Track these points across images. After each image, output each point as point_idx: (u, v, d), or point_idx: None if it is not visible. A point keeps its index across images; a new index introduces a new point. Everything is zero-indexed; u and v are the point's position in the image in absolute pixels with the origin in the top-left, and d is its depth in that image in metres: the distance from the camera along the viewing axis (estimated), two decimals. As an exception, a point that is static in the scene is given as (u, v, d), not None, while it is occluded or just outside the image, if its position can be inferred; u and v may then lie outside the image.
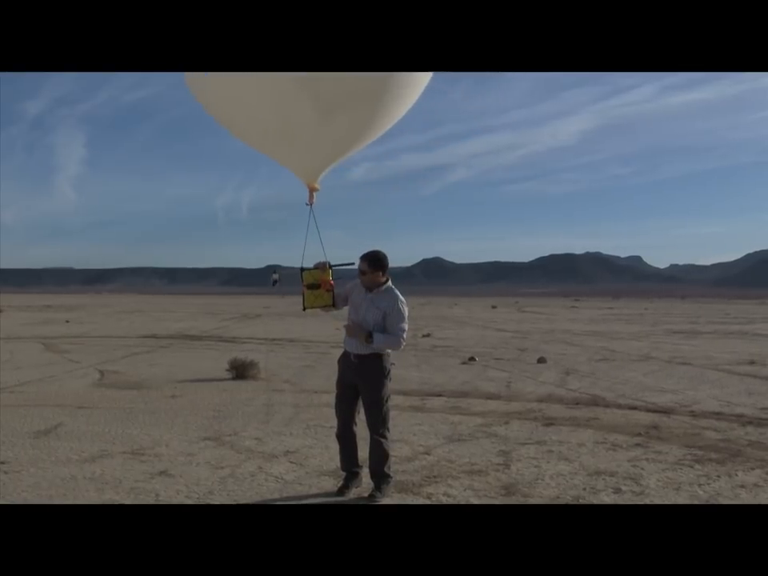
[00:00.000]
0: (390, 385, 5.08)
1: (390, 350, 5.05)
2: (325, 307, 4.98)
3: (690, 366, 13.41)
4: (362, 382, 5.01)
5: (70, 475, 5.52)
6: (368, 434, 5.05)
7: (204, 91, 4.70)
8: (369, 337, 4.88)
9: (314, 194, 4.93)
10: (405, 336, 4.96)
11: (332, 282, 4.93)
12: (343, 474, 5.21)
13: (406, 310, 5.01)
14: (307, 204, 4.88)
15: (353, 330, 4.98)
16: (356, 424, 5.15)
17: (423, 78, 4.75)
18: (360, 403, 5.08)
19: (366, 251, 5.03)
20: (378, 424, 4.99)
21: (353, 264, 5.05)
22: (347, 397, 5.11)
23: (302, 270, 4.92)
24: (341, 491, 5.06)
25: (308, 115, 4.46)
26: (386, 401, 5.03)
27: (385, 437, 5.03)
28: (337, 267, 4.98)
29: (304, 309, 5.01)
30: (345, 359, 5.13)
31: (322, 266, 4.93)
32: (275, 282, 5.02)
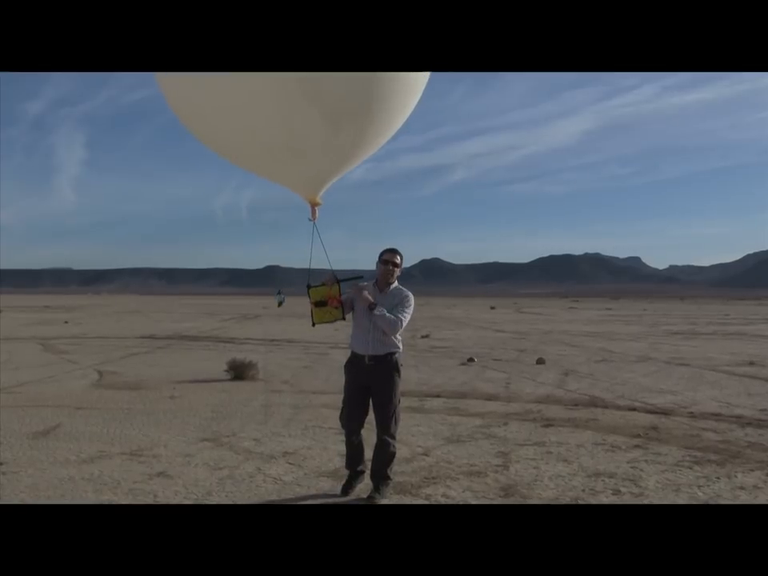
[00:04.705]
0: (401, 385, 5.08)
1: (401, 350, 5.05)
2: (334, 321, 5.01)
3: (689, 366, 13.41)
4: (376, 383, 4.95)
5: (69, 476, 5.50)
6: (375, 433, 5.03)
7: (184, 100, 4.36)
8: (372, 305, 4.89)
9: (317, 208, 4.86)
10: (404, 323, 4.95)
11: (339, 297, 4.93)
12: (347, 472, 5.19)
13: (412, 305, 5.04)
14: (310, 220, 4.83)
15: (361, 296, 4.94)
16: (363, 427, 5.14)
17: (423, 79, 4.66)
18: (369, 406, 5.06)
19: (388, 247, 5.11)
20: (390, 425, 4.96)
21: (361, 277, 5.11)
22: (358, 400, 5.04)
23: (309, 287, 4.93)
24: (345, 490, 5.05)
25: (316, 127, 4.28)
26: (399, 401, 5.02)
27: (394, 437, 5.01)
28: (344, 282, 4.98)
29: (313, 324, 5.03)
30: (356, 362, 5.06)
31: (329, 282, 4.93)
32: (280, 303, 5.03)
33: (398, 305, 4.97)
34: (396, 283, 5.11)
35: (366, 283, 5.10)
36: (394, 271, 5.05)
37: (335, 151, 4.60)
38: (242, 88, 3.98)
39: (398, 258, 5.07)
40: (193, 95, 4.21)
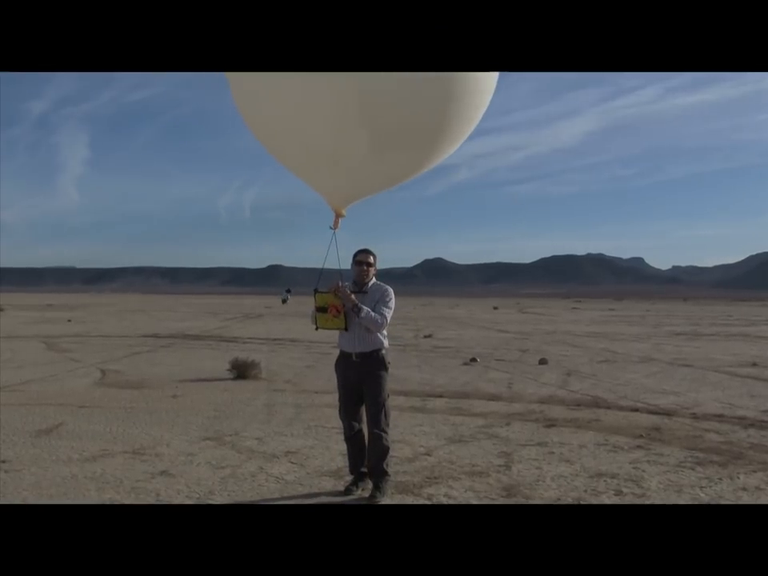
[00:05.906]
0: (389, 381, 5.16)
1: (387, 346, 5.14)
2: (337, 329, 5.07)
3: (691, 367, 13.38)
4: (365, 380, 5.05)
5: (71, 474, 5.52)
6: (368, 430, 5.09)
7: (249, 100, 4.48)
8: (356, 306, 4.95)
9: (339, 219, 4.87)
10: (387, 319, 5.06)
11: (340, 307, 4.95)
12: (351, 475, 5.21)
13: (393, 300, 5.16)
14: (331, 228, 4.85)
15: (344, 294, 4.97)
16: (363, 422, 5.18)
17: (480, 110, 4.59)
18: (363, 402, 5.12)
19: (359, 248, 5.19)
20: (381, 420, 5.04)
21: (366, 293, 5.12)
22: (352, 398, 5.14)
23: (316, 291, 5.00)
24: (348, 490, 5.09)
25: (362, 147, 4.31)
26: (388, 396, 5.11)
27: (386, 432, 5.07)
28: (351, 293, 5.02)
29: (316, 329, 5.09)
30: (344, 361, 5.16)
31: (333, 290, 4.97)
32: (284, 300, 5.09)
33: (379, 301, 5.09)
34: (374, 280, 5.21)
35: (346, 284, 5.13)
36: (368, 271, 5.16)
37: (375, 172, 4.65)
38: (302, 90, 3.99)
39: (371, 257, 5.18)
40: (255, 93, 4.29)
